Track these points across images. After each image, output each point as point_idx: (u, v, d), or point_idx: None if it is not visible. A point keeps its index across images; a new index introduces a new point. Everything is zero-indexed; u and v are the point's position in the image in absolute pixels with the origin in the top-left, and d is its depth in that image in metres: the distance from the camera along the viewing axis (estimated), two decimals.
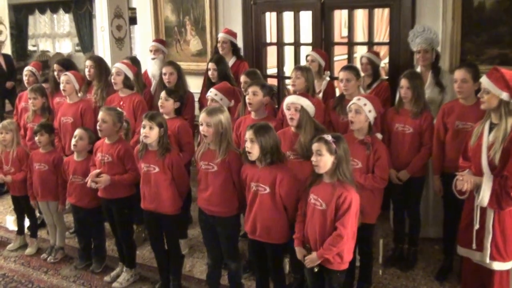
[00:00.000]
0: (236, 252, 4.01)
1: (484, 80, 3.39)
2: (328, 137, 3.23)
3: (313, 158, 3.25)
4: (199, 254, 4.93)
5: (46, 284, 4.57)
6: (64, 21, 15.14)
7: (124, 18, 9.98)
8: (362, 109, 3.77)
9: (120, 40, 9.78)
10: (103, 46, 9.84)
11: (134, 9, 8.37)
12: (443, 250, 4.56)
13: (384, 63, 6.65)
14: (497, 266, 3.45)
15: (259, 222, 3.57)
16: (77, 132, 4.53)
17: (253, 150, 3.44)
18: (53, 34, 15.50)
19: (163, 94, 4.55)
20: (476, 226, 3.45)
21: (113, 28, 9.77)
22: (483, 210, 3.42)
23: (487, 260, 3.45)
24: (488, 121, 3.45)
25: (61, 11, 14.81)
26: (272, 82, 6.39)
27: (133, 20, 8.61)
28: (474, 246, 3.48)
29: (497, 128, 3.36)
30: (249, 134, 3.46)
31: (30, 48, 15.58)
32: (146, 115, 3.92)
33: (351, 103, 3.87)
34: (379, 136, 3.93)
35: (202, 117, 3.70)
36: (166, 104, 4.50)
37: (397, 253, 4.66)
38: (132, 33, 9.69)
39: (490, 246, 3.42)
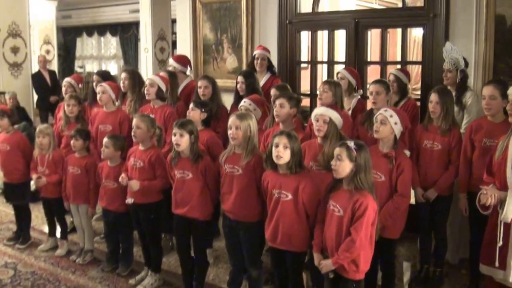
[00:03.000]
0: (258, 259, 4.03)
1: None
2: (351, 144, 3.25)
3: (333, 162, 3.29)
4: (223, 264, 4.95)
5: (72, 284, 4.67)
6: (111, 43, 15.70)
7: (167, 41, 10.31)
8: (388, 120, 3.76)
9: (162, 62, 10.08)
10: (146, 67, 10.18)
11: None
12: (469, 273, 4.44)
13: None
14: None
15: (281, 229, 3.58)
16: (104, 140, 4.71)
17: (285, 155, 3.47)
18: (99, 56, 16.07)
19: (191, 104, 4.65)
20: (499, 243, 3.35)
21: (156, 50, 10.10)
22: (507, 227, 3.33)
23: (510, 279, 3.34)
24: None
25: (108, 34, 15.41)
26: (305, 101, 6.42)
27: (176, 44, 8.86)
28: (497, 264, 3.38)
29: None
30: (281, 139, 3.48)
31: (77, 69, 16.15)
32: (176, 123, 4.04)
33: (377, 113, 3.88)
34: (407, 153, 3.91)
35: (231, 120, 3.80)
36: (192, 114, 4.56)
37: (422, 274, 4.56)
38: None
39: None
